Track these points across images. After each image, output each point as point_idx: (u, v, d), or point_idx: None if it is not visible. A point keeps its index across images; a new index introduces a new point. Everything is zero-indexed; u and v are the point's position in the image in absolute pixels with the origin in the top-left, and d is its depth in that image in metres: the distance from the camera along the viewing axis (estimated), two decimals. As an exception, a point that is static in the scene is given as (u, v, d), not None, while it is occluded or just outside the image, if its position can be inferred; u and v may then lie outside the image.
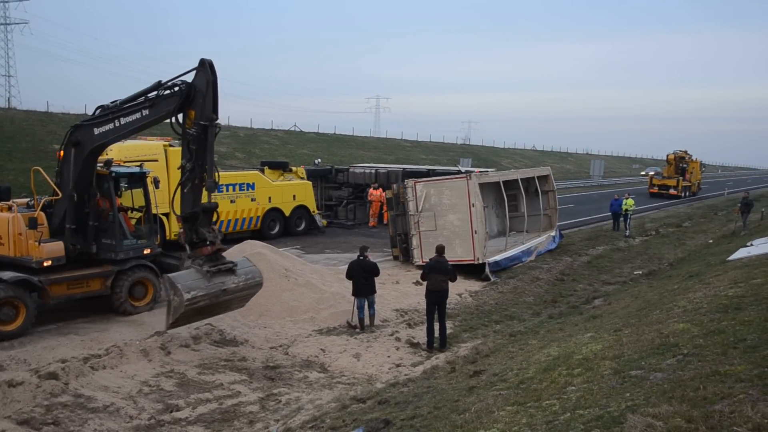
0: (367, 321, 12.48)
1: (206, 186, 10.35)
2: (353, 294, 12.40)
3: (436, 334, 11.63)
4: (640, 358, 6.18)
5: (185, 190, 10.33)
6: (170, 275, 10.22)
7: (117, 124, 11.16)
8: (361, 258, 12.32)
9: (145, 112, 10.80)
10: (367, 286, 12.26)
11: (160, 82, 10.69)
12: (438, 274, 11.47)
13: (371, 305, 12.43)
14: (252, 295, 11.30)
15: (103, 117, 11.29)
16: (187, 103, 10.19)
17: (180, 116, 10.42)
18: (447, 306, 14.39)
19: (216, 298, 10.24)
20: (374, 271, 12.38)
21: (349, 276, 12.33)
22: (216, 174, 10.51)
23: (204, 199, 10.61)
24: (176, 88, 10.34)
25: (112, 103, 11.41)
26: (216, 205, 10.72)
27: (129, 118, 11.03)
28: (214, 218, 21.10)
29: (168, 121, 10.52)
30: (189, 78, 10.43)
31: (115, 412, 8.40)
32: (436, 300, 11.53)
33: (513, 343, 10.72)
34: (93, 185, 12.24)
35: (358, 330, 12.24)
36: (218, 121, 10.32)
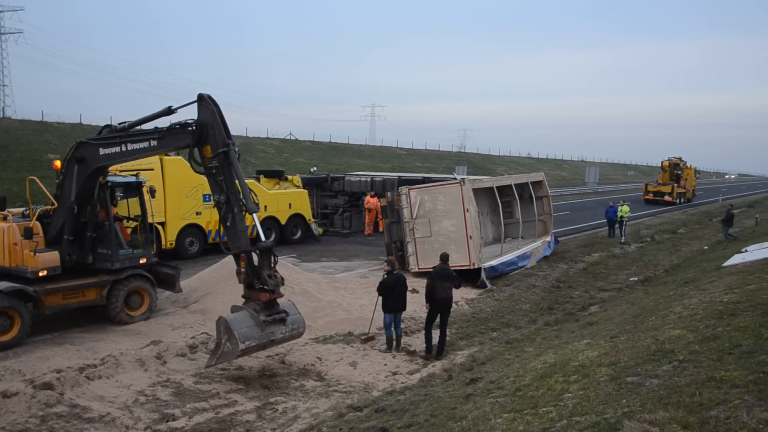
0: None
1: (248, 209, 10.04)
2: (385, 309, 11.70)
3: (435, 341, 11.59)
4: (636, 365, 6.19)
5: (228, 224, 10.10)
6: (227, 318, 9.69)
7: (123, 149, 11.10)
8: (396, 272, 11.87)
9: (153, 143, 10.75)
10: (403, 301, 11.78)
11: (170, 107, 10.62)
12: (444, 281, 11.42)
13: (398, 325, 11.87)
14: (290, 341, 10.94)
15: (111, 139, 11.20)
16: (200, 141, 10.11)
17: (197, 155, 10.28)
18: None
19: (263, 348, 10.08)
20: (406, 285, 11.96)
21: (389, 290, 11.54)
22: (253, 194, 10.30)
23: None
24: (187, 127, 10.25)
25: (120, 124, 11.39)
26: (272, 245, 10.17)
27: (136, 146, 10.99)
28: (212, 227, 20.90)
29: (190, 163, 10.41)
30: (189, 105, 10.39)
31: (111, 422, 8.37)
32: (442, 307, 11.45)
33: (509, 351, 10.72)
34: (94, 197, 12.23)
35: (385, 348, 11.72)
36: (234, 145, 10.13)
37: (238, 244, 10.08)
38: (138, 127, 11.35)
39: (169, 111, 10.65)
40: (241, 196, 10.03)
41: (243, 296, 10.10)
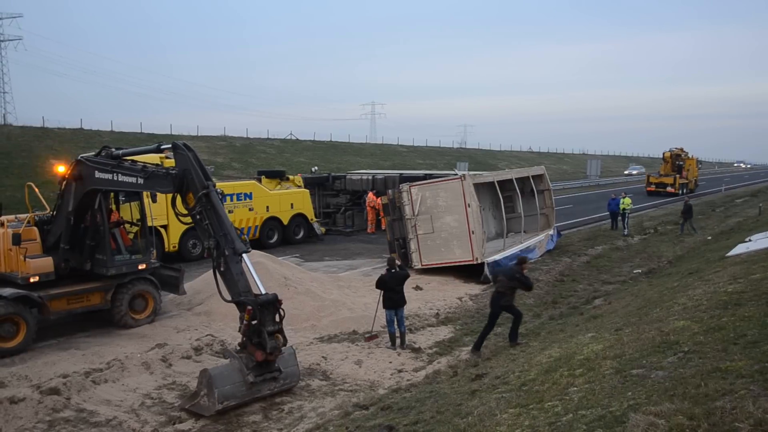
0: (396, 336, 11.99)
1: (236, 250, 9.44)
2: (383, 306, 11.78)
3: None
4: (641, 357, 6.19)
5: (222, 270, 9.50)
6: (212, 373, 8.82)
7: (115, 178, 11.16)
8: (393, 271, 11.81)
9: (140, 180, 10.77)
10: (400, 297, 11.76)
11: (159, 145, 10.84)
12: (503, 275, 11.36)
13: (401, 322, 11.84)
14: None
15: (107, 164, 11.26)
16: (182, 189, 10.01)
17: (180, 205, 10.18)
18: (448, 310, 14.44)
19: (244, 404, 9.21)
20: (407, 276, 12.02)
21: (383, 286, 11.69)
22: (243, 237, 9.89)
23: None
24: (168, 175, 10.25)
25: (116, 149, 11.49)
26: (274, 297, 9.33)
27: (126, 179, 11.02)
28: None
29: (177, 218, 10.30)
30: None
31: (118, 425, 8.39)
32: (495, 300, 11.28)
33: (514, 346, 10.73)
34: (94, 208, 12.25)
35: (389, 346, 11.76)
36: (215, 186, 9.96)
37: (235, 289, 9.35)
38: (130, 159, 11.41)
39: (158, 149, 10.90)
40: (230, 238, 9.55)
41: (239, 344, 9.42)
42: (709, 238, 24.50)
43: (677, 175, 49.18)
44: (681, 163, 51.31)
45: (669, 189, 47.97)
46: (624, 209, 26.57)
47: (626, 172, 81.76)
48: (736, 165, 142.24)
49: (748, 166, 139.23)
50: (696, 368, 5.25)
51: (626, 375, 5.68)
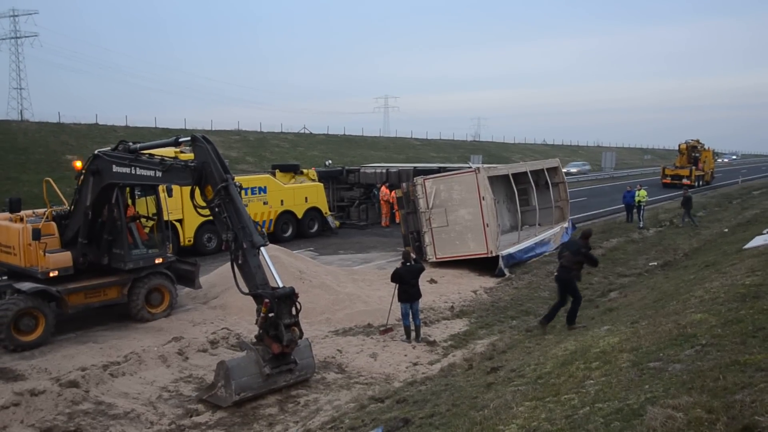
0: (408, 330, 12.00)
1: (254, 243, 9.48)
2: (399, 299, 11.81)
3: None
4: (658, 350, 6.16)
5: (240, 263, 9.55)
6: (229, 365, 8.93)
7: (133, 172, 11.19)
8: (408, 264, 11.84)
9: (158, 174, 10.79)
10: (415, 291, 11.78)
11: (176, 139, 10.85)
12: (566, 250, 11.31)
13: (416, 315, 11.86)
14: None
15: (124, 158, 11.32)
16: (201, 182, 10.03)
17: (198, 198, 10.20)
18: (463, 303, 14.42)
19: (261, 395, 9.24)
20: (422, 269, 12.08)
21: (399, 279, 11.71)
22: (259, 228, 9.95)
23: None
24: (187, 168, 10.27)
25: (134, 144, 11.57)
26: (291, 291, 9.39)
27: (144, 172, 11.05)
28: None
29: (192, 203, 10.31)
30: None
31: (136, 418, 8.49)
32: (559, 273, 11.29)
33: (530, 339, 10.72)
34: (112, 202, 12.35)
35: (404, 339, 11.79)
36: (233, 179, 9.97)
37: (253, 282, 9.42)
38: (147, 153, 11.45)
39: (176, 142, 10.89)
40: (248, 230, 9.58)
41: (255, 337, 9.53)
42: (726, 230, 24.26)
43: (693, 167, 48.71)
44: (697, 154, 50.79)
45: (685, 181, 47.44)
46: (639, 202, 26.40)
47: (565, 170, 68.41)
48: (727, 160, 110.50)
49: (725, 159, 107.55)
50: (714, 361, 5.22)
51: (643, 368, 5.66)
